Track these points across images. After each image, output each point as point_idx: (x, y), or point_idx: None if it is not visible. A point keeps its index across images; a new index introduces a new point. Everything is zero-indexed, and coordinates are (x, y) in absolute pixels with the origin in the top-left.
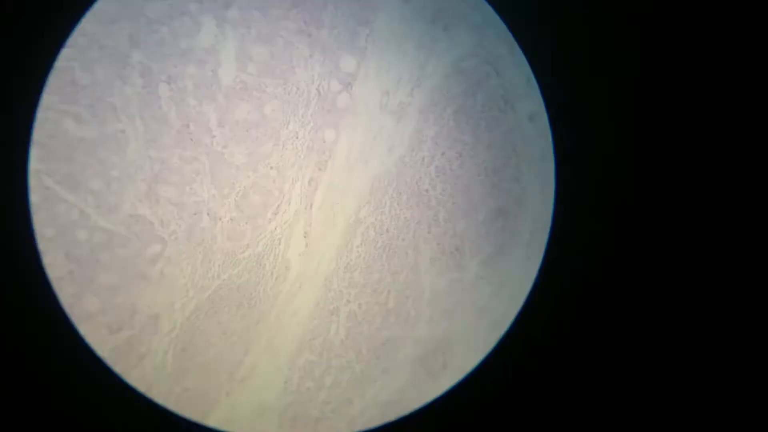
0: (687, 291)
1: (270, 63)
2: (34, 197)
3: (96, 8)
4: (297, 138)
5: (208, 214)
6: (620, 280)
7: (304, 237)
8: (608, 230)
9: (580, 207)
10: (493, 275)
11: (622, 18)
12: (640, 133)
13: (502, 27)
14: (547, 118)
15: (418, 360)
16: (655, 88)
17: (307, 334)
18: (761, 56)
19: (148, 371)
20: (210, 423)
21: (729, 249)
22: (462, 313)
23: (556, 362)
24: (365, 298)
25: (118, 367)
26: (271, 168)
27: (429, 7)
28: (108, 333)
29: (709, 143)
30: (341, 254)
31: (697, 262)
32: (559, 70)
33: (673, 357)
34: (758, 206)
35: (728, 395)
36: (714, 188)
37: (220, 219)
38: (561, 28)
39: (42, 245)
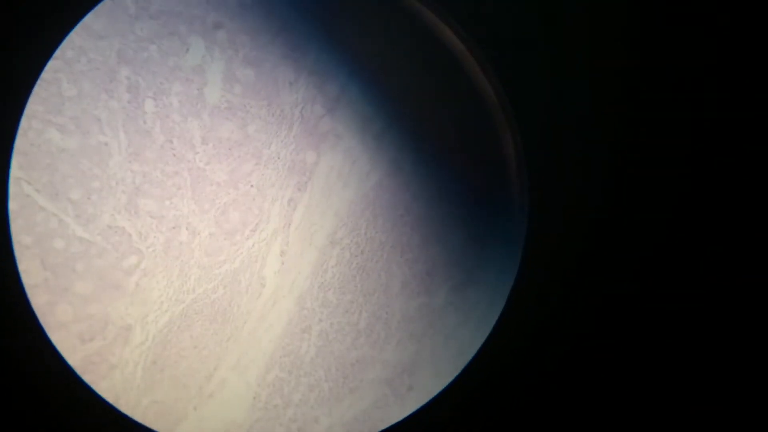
0: (654, 328)
1: (255, 85)
2: (14, 204)
3: (85, 22)
4: (278, 158)
5: (186, 228)
6: (588, 313)
7: (281, 255)
8: (578, 264)
9: (552, 239)
10: (462, 302)
11: (603, 62)
12: (614, 167)
13: (483, 60)
14: (523, 149)
15: (385, 381)
16: (629, 124)
17: (278, 351)
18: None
19: (117, 382)
20: None
21: (702, 289)
22: (430, 338)
23: (520, 391)
24: (337, 318)
25: (88, 376)
26: (252, 186)
27: (412, 37)
28: (79, 342)
29: (682, 186)
30: (316, 273)
31: (667, 299)
32: (537, 102)
33: (641, 388)
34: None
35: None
36: (687, 231)
37: (198, 234)
38: (541, 59)
39: (18, 252)
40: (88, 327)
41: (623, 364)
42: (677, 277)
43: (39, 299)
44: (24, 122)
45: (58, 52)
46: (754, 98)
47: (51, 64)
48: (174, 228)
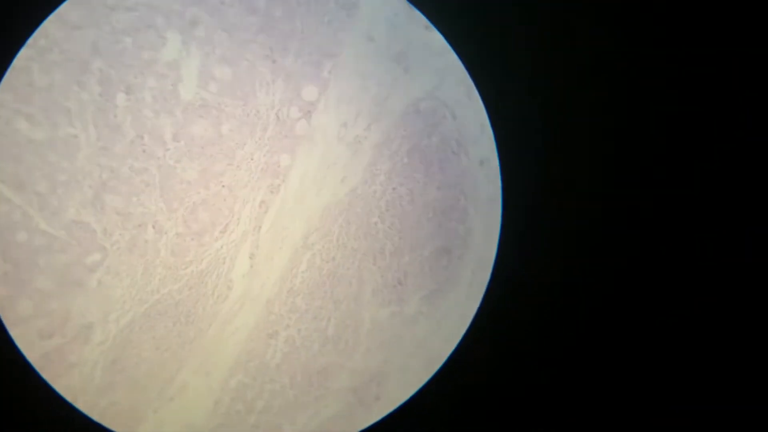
0: (626, 338)
1: (232, 84)
2: None
3: (60, 12)
4: (252, 160)
5: (153, 226)
6: (557, 326)
7: (250, 258)
8: (549, 276)
9: (523, 252)
10: (432, 312)
11: (579, 71)
12: (587, 182)
13: (462, 72)
14: (497, 164)
15: (352, 390)
16: (607, 140)
17: (242, 356)
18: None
19: (75, 381)
20: None
21: (678, 298)
22: (399, 347)
23: (488, 402)
24: (305, 324)
25: (46, 373)
26: (223, 187)
27: (393, 47)
28: (39, 338)
29: (658, 190)
30: (285, 278)
31: (639, 308)
32: (514, 119)
33: (611, 400)
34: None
35: None
36: (665, 235)
37: (165, 233)
38: (521, 79)
39: None
40: (48, 323)
41: (593, 376)
42: (659, 288)
43: None
44: None
45: (30, 41)
46: (751, 99)
47: (23, 53)
48: (140, 226)
